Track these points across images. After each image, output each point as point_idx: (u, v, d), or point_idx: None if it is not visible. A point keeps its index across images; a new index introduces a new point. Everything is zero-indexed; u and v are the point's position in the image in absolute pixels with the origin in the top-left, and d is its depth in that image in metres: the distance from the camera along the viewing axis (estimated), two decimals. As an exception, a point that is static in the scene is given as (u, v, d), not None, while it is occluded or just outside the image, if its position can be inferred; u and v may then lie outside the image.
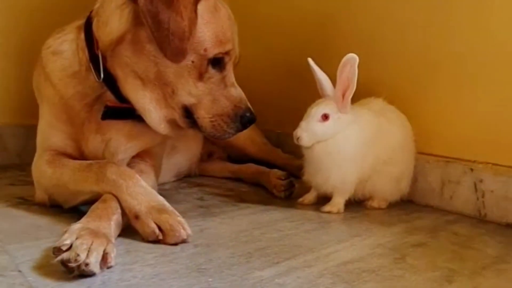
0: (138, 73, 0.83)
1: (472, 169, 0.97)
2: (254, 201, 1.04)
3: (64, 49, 0.89)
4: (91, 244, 0.60)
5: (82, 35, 0.87)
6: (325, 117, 0.91)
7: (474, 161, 0.98)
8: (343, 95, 0.92)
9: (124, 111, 0.88)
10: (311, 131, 0.91)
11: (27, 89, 1.29)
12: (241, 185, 1.20)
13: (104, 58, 0.84)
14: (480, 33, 0.96)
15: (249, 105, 0.89)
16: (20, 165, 1.26)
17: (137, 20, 0.80)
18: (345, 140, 0.93)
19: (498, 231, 0.89)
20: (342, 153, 0.92)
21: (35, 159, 0.91)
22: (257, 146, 1.31)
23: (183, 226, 0.73)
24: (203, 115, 0.86)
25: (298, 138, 0.92)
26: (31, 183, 0.92)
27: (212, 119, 0.86)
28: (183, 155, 1.23)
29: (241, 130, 0.90)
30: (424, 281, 0.64)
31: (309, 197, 1.01)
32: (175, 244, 0.72)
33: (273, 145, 1.36)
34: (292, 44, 1.39)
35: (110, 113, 0.88)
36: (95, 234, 0.63)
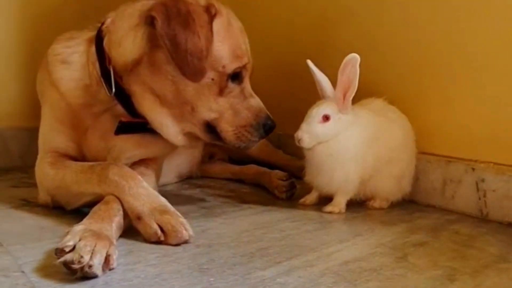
0: (156, 92, 0.84)
1: (473, 169, 0.97)
2: (256, 201, 1.04)
3: (73, 60, 0.89)
4: (95, 246, 0.60)
5: (93, 49, 0.87)
6: (326, 118, 0.92)
7: (476, 161, 0.98)
8: (344, 96, 0.92)
9: (137, 126, 0.89)
10: (312, 132, 0.92)
11: (29, 92, 1.31)
12: (242, 186, 1.21)
13: (116, 74, 0.84)
14: (482, 32, 0.96)
15: (268, 113, 0.92)
16: (23, 167, 1.26)
17: (152, 42, 0.81)
18: (346, 140, 0.93)
19: (500, 230, 0.89)
20: (343, 153, 0.93)
21: (37, 161, 0.91)
22: (258, 147, 1.31)
23: (185, 227, 0.73)
24: (226, 128, 0.87)
25: (299, 140, 0.92)
26: (33, 185, 0.92)
27: (236, 131, 0.88)
28: (184, 157, 1.23)
29: (264, 137, 0.93)
30: (426, 280, 0.64)
31: (311, 197, 1.01)
32: (177, 245, 0.72)
33: (274, 147, 1.37)
34: (292, 45, 1.40)
35: (124, 128, 0.89)
36: (98, 236, 0.63)
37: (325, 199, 0.99)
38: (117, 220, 0.73)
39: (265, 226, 0.85)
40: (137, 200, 0.74)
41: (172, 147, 0.97)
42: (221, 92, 0.86)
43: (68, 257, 0.58)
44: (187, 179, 1.26)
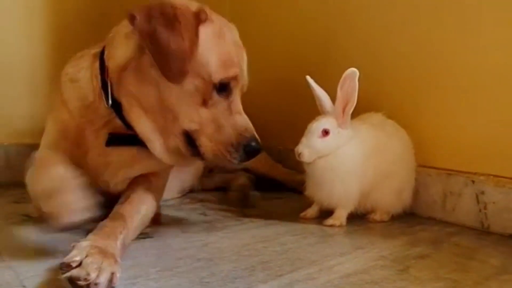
0: (140, 101, 0.83)
1: (473, 181, 0.98)
2: (257, 215, 1.04)
3: (80, 77, 0.89)
4: (101, 264, 0.60)
5: (97, 63, 0.87)
6: (325, 132, 0.93)
7: (475, 173, 0.98)
8: (343, 110, 0.93)
9: (128, 138, 0.88)
10: (312, 147, 0.93)
11: (31, 110, 1.33)
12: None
13: (111, 85, 0.84)
14: (479, 46, 0.97)
15: (255, 134, 0.85)
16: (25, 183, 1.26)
17: (141, 48, 0.81)
18: (346, 154, 0.94)
19: (501, 242, 0.89)
20: (343, 167, 0.93)
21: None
22: (258, 161, 1.32)
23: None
24: (206, 143, 0.82)
25: (299, 154, 0.93)
26: (35, 200, 0.92)
27: (214, 148, 0.82)
28: (188, 172, 1.24)
29: (246, 161, 0.84)
30: (427, 292, 0.64)
31: (311, 211, 1.01)
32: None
33: (275, 161, 1.37)
34: (292, 61, 1.41)
35: (114, 140, 0.88)
36: (104, 253, 0.63)
37: (326, 213, 0.99)
38: (122, 237, 0.72)
39: (266, 239, 0.85)
40: None
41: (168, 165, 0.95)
42: (204, 102, 0.82)
43: (74, 272, 0.58)
44: (188, 193, 1.26)
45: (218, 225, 0.94)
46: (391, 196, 1.00)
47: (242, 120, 0.85)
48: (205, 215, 1.03)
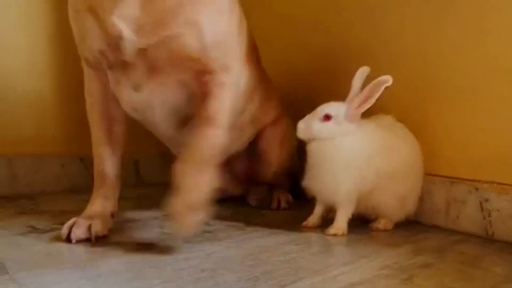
0: None
1: (477, 189, 0.97)
2: (260, 224, 1.04)
3: None
4: None
5: None
6: (327, 117, 0.93)
7: (479, 181, 0.98)
8: (358, 105, 0.94)
9: None
10: (308, 125, 0.94)
11: (36, 120, 1.34)
12: (246, 209, 1.21)
13: None
14: (482, 53, 0.98)
15: None
16: (30, 194, 1.27)
17: None
18: (343, 146, 0.93)
19: (506, 249, 0.89)
20: (335, 159, 0.93)
21: None
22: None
23: None
24: None
25: (297, 128, 0.95)
26: (40, 212, 0.93)
27: None
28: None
29: None
30: (432, 302, 0.64)
31: (313, 219, 1.01)
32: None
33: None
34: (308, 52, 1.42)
35: None
36: None
37: (328, 222, 0.98)
38: None
39: (270, 249, 0.85)
40: None
41: None
42: None
43: None
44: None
45: (221, 235, 0.95)
46: (394, 201, 0.99)
47: None
48: (208, 225, 1.03)
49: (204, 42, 0.81)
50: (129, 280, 0.67)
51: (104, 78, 0.90)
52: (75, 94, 1.36)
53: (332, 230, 0.95)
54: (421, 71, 1.08)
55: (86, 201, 0.93)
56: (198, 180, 0.79)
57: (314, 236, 0.95)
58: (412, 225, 1.04)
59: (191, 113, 0.89)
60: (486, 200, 0.96)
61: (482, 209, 0.96)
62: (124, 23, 0.77)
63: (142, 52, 0.80)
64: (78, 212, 0.90)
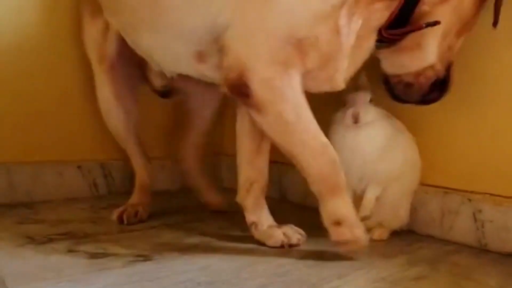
0: None
1: (470, 200, 0.99)
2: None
3: None
4: None
5: None
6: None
7: (472, 192, 0.99)
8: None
9: None
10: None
11: (34, 125, 1.34)
12: (242, 220, 1.21)
13: None
14: (480, 65, 0.99)
15: None
16: (29, 203, 1.28)
17: None
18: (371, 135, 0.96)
19: (499, 260, 0.90)
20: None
21: None
22: None
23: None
24: None
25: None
26: (39, 221, 0.94)
27: None
28: None
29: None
30: (425, 316, 0.65)
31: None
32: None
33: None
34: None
35: None
36: None
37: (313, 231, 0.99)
38: None
39: (266, 261, 0.86)
40: None
41: None
42: None
43: None
44: (189, 213, 1.26)
45: (217, 246, 0.95)
46: (390, 208, 1.00)
47: None
48: (204, 235, 1.04)
49: None
50: (127, 294, 0.68)
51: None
52: (74, 101, 1.38)
53: (376, 233, 1.00)
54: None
55: (84, 210, 0.93)
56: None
57: (308, 248, 0.96)
58: (407, 235, 1.05)
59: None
60: (480, 211, 0.97)
61: (475, 220, 0.98)
62: None
63: None
64: (76, 221, 0.91)
